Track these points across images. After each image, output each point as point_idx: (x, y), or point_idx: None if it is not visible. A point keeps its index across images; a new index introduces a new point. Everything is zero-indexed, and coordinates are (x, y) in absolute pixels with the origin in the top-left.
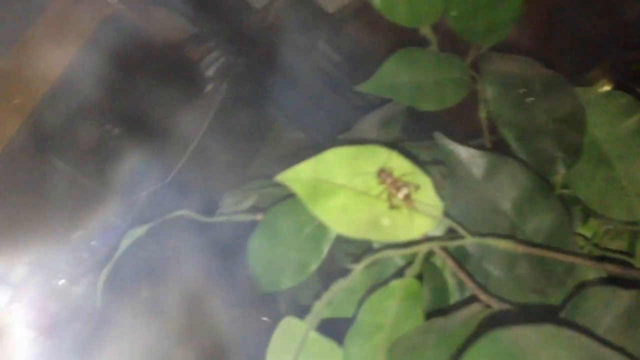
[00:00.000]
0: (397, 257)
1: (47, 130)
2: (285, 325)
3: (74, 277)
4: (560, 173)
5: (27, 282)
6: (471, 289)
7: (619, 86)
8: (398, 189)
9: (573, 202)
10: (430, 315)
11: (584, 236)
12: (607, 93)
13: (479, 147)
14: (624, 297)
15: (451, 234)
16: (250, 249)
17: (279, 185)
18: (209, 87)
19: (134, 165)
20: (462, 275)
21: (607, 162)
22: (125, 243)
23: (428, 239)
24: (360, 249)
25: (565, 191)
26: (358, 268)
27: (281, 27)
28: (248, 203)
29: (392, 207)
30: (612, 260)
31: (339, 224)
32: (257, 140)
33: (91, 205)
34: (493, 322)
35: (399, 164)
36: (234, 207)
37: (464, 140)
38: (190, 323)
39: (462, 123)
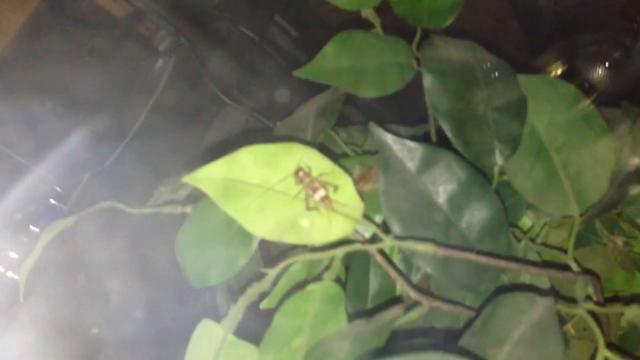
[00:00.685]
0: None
1: None
2: (203, 328)
3: (11, 263)
4: (497, 164)
5: None
6: (401, 285)
7: (570, 70)
8: (315, 190)
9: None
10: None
11: (520, 229)
12: (549, 81)
13: (421, 137)
14: (539, 306)
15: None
16: (179, 243)
17: None
18: (159, 63)
19: (75, 146)
20: (392, 272)
21: (546, 153)
22: (46, 236)
23: (345, 242)
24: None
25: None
26: (272, 273)
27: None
28: (184, 192)
29: (310, 208)
30: (536, 263)
31: (255, 225)
32: (202, 123)
33: (31, 188)
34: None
35: (318, 163)
36: (168, 196)
37: (415, 124)
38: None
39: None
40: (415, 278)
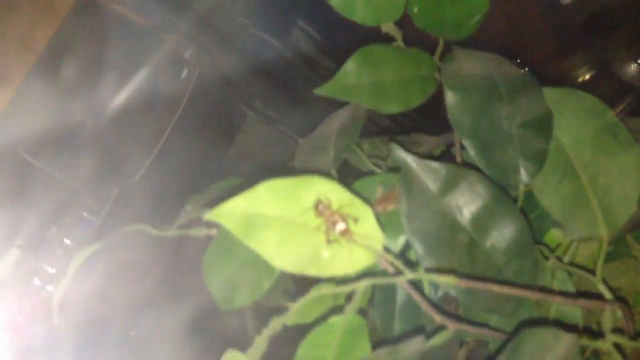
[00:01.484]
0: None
1: (17, 124)
2: (229, 358)
3: (48, 276)
4: (523, 183)
5: (1, 282)
6: (425, 309)
7: (599, 75)
8: (334, 223)
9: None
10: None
11: (547, 246)
12: (576, 94)
13: (445, 150)
14: (563, 342)
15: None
16: (205, 265)
17: (245, 185)
18: (184, 73)
19: (106, 160)
20: (416, 296)
21: (573, 170)
22: (75, 263)
23: (366, 275)
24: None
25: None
26: (294, 307)
27: (256, 11)
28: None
29: (330, 241)
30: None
31: (277, 258)
32: (227, 136)
33: (64, 201)
34: None
35: (338, 195)
36: (195, 214)
37: (441, 131)
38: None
39: None
40: (439, 297)
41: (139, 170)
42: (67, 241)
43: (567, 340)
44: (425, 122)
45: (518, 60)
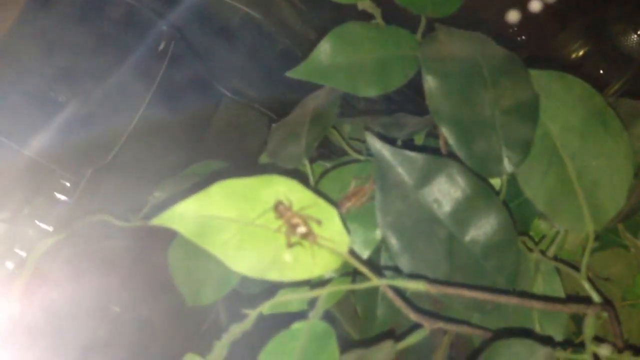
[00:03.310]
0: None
1: None
2: None
3: (20, 260)
4: (506, 173)
5: None
6: (400, 307)
7: (595, 49)
8: (295, 226)
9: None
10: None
11: (531, 238)
12: (565, 79)
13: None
14: (539, 355)
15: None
16: (171, 258)
17: (221, 166)
18: (162, 45)
19: (79, 139)
20: (390, 293)
21: (560, 159)
22: (35, 254)
23: (329, 281)
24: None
25: None
26: (253, 314)
27: None
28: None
29: (291, 244)
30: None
31: (236, 262)
32: (202, 116)
33: (37, 181)
34: None
35: (300, 196)
36: (164, 199)
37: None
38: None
39: None
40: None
41: (112, 150)
42: (39, 223)
43: (542, 353)
44: (411, 98)
45: (523, 37)
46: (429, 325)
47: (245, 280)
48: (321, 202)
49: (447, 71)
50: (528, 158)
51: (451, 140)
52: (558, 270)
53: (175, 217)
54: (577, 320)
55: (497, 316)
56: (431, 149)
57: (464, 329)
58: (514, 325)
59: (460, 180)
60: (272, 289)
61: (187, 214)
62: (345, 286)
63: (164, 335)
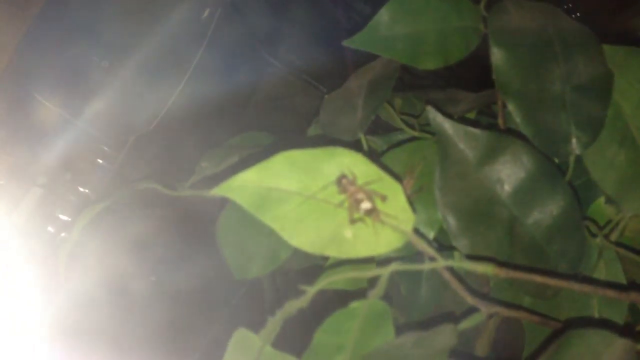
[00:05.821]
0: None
1: (30, 66)
2: (239, 337)
3: (62, 224)
4: (574, 154)
5: (17, 228)
6: (458, 291)
7: None
8: (359, 202)
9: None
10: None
11: (595, 222)
12: (639, 53)
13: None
14: (617, 347)
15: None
16: (220, 229)
17: (267, 138)
18: (206, 12)
19: (123, 105)
20: (446, 274)
21: (633, 141)
22: (82, 221)
23: (392, 260)
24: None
25: None
26: (312, 290)
27: None
28: (229, 165)
29: (353, 221)
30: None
31: (294, 236)
32: (248, 85)
33: (79, 146)
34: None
35: (364, 170)
36: (212, 171)
37: (481, 87)
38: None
39: None
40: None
41: (156, 118)
42: (81, 189)
43: (620, 345)
44: (465, 74)
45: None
46: (486, 310)
47: (294, 255)
48: (386, 177)
49: (516, 43)
50: (597, 140)
51: (517, 117)
52: (619, 257)
53: (235, 187)
54: (631, 308)
55: (552, 302)
56: (485, 126)
57: (520, 314)
58: (569, 312)
59: (526, 160)
60: (315, 268)
61: (247, 185)
62: (411, 266)
63: (196, 305)
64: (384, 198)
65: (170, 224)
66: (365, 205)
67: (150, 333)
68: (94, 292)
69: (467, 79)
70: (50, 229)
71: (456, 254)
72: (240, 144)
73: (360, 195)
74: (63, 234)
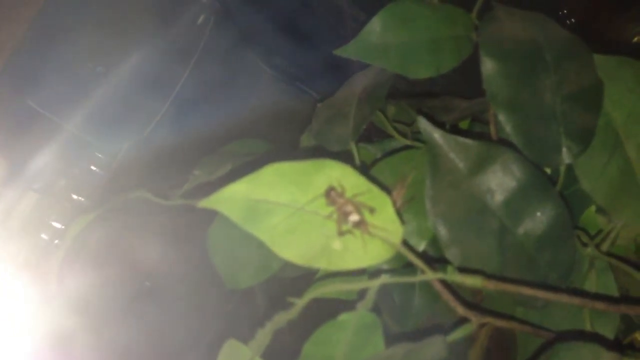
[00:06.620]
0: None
1: (24, 72)
2: (230, 348)
3: (55, 232)
4: (564, 163)
5: (11, 234)
6: (447, 300)
7: None
8: (347, 214)
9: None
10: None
11: (586, 232)
12: (632, 65)
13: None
14: None
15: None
16: (210, 239)
17: (260, 145)
18: (201, 18)
19: (116, 112)
20: (437, 286)
21: (623, 151)
22: (74, 229)
23: (381, 272)
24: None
25: None
26: (300, 303)
27: None
28: (221, 173)
29: (342, 232)
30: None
31: (283, 248)
32: (242, 94)
33: (73, 153)
34: None
35: (353, 182)
36: (205, 179)
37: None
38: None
39: None
40: None
41: (149, 125)
42: (75, 196)
43: (608, 359)
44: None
45: (572, 20)
46: (476, 320)
47: (285, 265)
48: (375, 189)
49: (507, 53)
50: (588, 149)
51: (508, 127)
52: (611, 267)
53: (224, 199)
54: (623, 316)
55: (544, 311)
56: (477, 135)
57: (512, 325)
58: (561, 321)
59: (516, 170)
60: (308, 275)
61: (235, 197)
62: (400, 278)
63: (190, 312)
64: (372, 210)
65: (164, 231)
66: (354, 217)
67: (142, 340)
68: (87, 299)
69: (464, 86)
70: (44, 236)
71: (449, 266)
72: (233, 151)
73: (349, 208)
74: (56, 241)
